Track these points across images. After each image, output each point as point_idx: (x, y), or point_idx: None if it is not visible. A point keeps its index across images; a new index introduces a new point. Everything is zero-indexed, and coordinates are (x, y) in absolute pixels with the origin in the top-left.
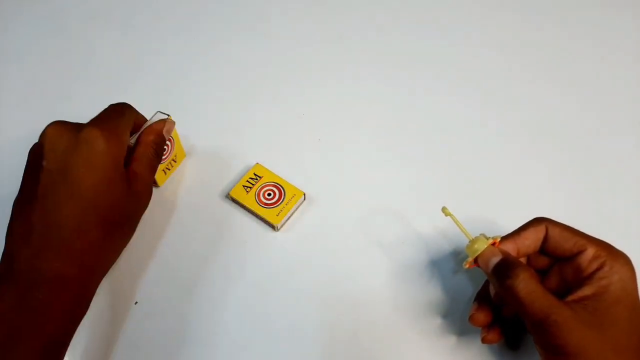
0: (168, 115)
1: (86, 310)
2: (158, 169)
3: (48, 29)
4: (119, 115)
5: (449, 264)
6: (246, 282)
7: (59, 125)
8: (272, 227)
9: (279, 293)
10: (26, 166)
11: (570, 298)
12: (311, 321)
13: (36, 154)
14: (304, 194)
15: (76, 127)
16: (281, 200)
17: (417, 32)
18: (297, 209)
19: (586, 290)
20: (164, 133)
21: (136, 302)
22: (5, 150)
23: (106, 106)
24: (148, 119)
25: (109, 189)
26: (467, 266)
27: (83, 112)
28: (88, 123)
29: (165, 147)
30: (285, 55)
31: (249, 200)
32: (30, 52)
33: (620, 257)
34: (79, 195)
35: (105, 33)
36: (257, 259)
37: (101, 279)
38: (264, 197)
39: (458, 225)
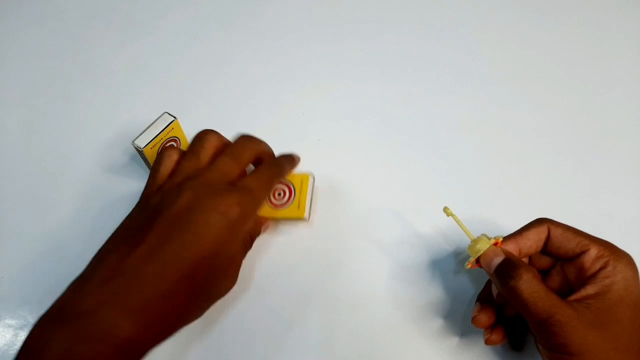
0: (175, 118)
1: None
2: None
3: (48, 29)
4: (266, 188)
5: (450, 264)
6: (246, 281)
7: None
8: (302, 220)
9: (279, 293)
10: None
11: (573, 297)
12: (311, 322)
13: (165, 194)
14: (311, 174)
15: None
16: (293, 195)
17: (418, 31)
18: (313, 191)
19: (589, 290)
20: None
21: None
22: (6, 150)
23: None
24: (153, 119)
25: (214, 266)
26: (469, 266)
27: (83, 112)
28: (235, 184)
29: (171, 147)
30: (285, 55)
31: (267, 210)
32: (30, 52)
33: (623, 257)
34: (184, 262)
35: (106, 33)
36: (257, 259)
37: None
38: (275, 199)
39: (460, 225)
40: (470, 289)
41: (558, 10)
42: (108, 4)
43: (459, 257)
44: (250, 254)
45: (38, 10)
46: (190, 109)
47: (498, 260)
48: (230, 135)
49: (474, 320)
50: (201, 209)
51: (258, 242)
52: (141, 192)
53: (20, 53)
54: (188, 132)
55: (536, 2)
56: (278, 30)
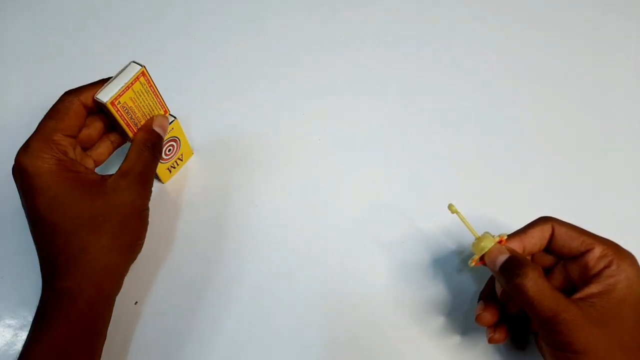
0: (175, 118)
1: None
2: (162, 167)
3: (48, 29)
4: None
5: (452, 262)
6: (246, 282)
7: None
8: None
9: (279, 293)
10: None
11: (577, 296)
12: (311, 321)
13: None
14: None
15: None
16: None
17: (419, 30)
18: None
19: (593, 288)
20: (156, 128)
21: (136, 302)
22: (6, 150)
23: None
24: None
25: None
26: (473, 264)
27: None
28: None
29: (171, 147)
30: (285, 55)
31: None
32: (30, 51)
33: (627, 257)
34: None
35: (105, 33)
36: (256, 258)
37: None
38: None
39: (464, 222)
40: (471, 287)
41: (559, 10)
42: (108, 4)
43: (461, 255)
44: (250, 254)
45: (38, 10)
46: (191, 109)
47: (503, 258)
48: (232, 134)
49: (477, 318)
50: None
51: (256, 241)
52: None
53: (20, 52)
54: (188, 132)
55: (536, 2)
56: (278, 30)
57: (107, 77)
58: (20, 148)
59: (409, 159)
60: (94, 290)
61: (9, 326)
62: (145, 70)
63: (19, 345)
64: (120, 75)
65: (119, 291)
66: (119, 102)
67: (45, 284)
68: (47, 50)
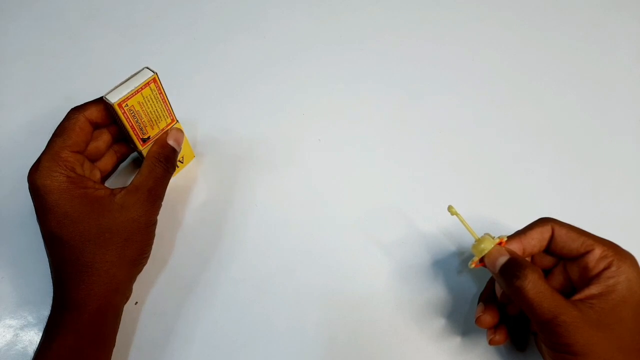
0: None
1: None
2: None
3: (48, 29)
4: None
5: (452, 263)
6: (246, 282)
7: None
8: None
9: (279, 293)
10: None
11: (577, 297)
12: (311, 322)
13: None
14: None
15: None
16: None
17: (418, 31)
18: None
19: (593, 290)
20: (171, 142)
21: (136, 302)
22: (6, 150)
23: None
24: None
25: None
26: (472, 266)
27: None
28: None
29: None
30: (285, 55)
31: None
32: (30, 52)
33: (627, 258)
34: None
35: (106, 33)
36: (257, 258)
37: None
38: None
39: (464, 224)
40: (472, 288)
41: (558, 9)
42: (108, 4)
43: (461, 256)
44: (250, 254)
45: (38, 10)
46: (191, 110)
47: (503, 259)
48: (231, 135)
49: (478, 320)
50: None
51: (256, 241)
52: None
53: (20, 53)
54: (188, 132)
55: (536, 2)
56: (278, 30)
57: (106, 78)
58: (32, 167)
59: (409, 159)
60: (100, 302)
61: (10, 326)
62: (157, 77)
63: (19, 346)
64: (131, 79)
65: (127, 300)
66: (127, 104)
67: (55, 295)
68: (47, 50)
